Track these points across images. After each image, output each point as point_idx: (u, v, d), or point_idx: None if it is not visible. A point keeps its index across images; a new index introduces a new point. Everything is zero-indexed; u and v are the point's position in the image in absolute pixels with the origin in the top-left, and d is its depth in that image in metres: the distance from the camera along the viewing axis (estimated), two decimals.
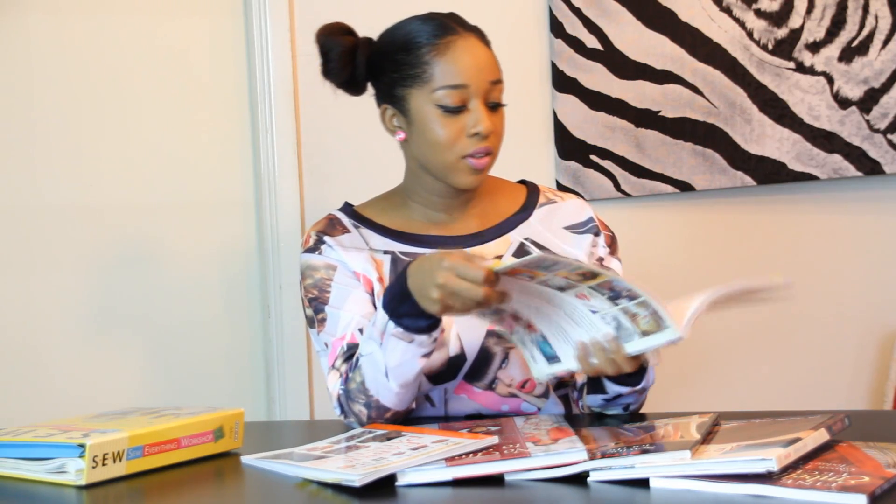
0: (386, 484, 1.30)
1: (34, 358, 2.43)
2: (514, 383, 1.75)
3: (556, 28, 2.80)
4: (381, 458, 1.36)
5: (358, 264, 1.77)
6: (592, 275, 1.41)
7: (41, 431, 1.45)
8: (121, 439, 1.39)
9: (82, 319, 2.46)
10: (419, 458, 1.34)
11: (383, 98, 1.81)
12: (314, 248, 1.79)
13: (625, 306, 1.44)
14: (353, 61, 1.81)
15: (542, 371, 1.57)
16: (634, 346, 1.48)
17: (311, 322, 1.78)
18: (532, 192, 1.89)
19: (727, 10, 2.89)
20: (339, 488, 1.30)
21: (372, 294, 1.77)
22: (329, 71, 1.83)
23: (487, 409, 1.75)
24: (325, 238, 1.79)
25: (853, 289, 3.07)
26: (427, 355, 1.62)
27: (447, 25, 1.76)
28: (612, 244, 1.86)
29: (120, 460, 1.39)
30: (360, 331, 1.71)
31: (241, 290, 2.60)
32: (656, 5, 2.85)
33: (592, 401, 1.73)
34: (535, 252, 1.38)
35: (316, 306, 1.76)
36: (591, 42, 2.82)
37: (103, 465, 1.37)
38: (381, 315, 1.59)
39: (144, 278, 2.52)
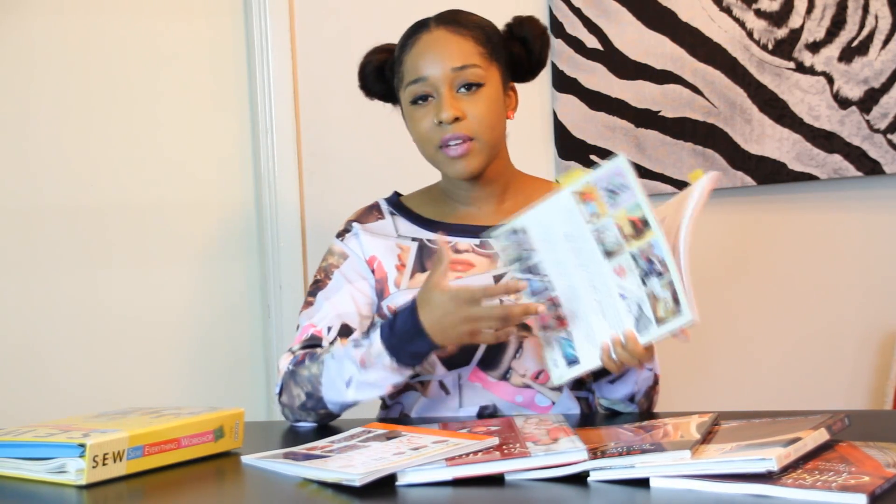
0: (386, 484, 1.30)
1: (34, 358, 2.43)
2: (529, 374, 1.76)
3: (556, 28, 2.80)
4: (381, 458, 1.36)
5: (378, 249, 1.83)
6: (643, 225, 1.45)
7: (41, 431, 1.45)
8: (121, 439, 1.39)
9: (82, 319, 2.46)
10: (419, 458, 1.34)
11: (397, 102, 1.88)
12: (340, 234, 1.88)
13: (651, 288, 1.47)
14: (383, 76, 1.87)
15: (562, 376, 1.61)
16: (649, 335, 1.51)
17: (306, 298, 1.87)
18: None
19: (727, 10, 2.89)
20: (339, 488, 1.30)
21: (379, 283, 1.82)
22: (364, 87, 1.90)
23: (502, 400, 1.76)
24: (354, 225, 1.87)
25: (853, 289, 3.07)
26: (397, 386, 1.68)
27: (423, 23, 1.82)
28: None
29: (120, 460, 1.39)
30: (329, 329, 1.78)
31: (241, 290, 2.60)
32: (656, 5, 2.85)
33: (599, 389, 1.75)
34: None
35: (313, 289, 1.84)
36: (591, 42, 2.82)
37: (103, 464, 1.37)
38: (377, 348, 1.62)
39: (144, 278, 2.52)
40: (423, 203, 1.89)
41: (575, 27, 2.81)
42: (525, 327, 1.73)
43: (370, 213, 1.89)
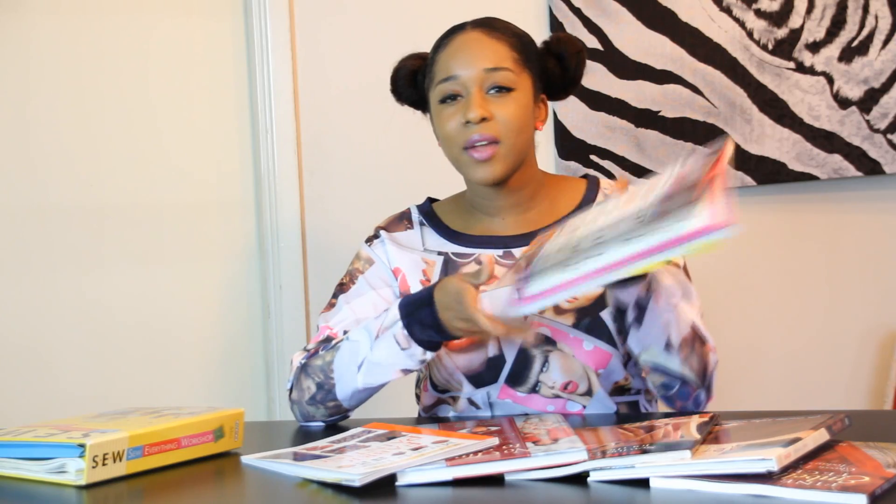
0: (386, 484, 1.30)
1: (34, 358, 2.43)
2: (557, 386, 1.75)
3: (556, 28, 2.80)
4: (381, 458, 1.36)
5: (403, 262, 1.83)
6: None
7: (41, 431, 1.45)
8: (121, 439, 1.39)
9: (82, 319, 2.46)
10: (419, 458, 1.34)
11: (427, 108, 1.86)
12: (369, 240, 1.88)
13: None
14: (414, 82, 1.86)
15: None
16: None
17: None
18: (591, 189, 1.86)
19: (727, 10, 2.89)
20: (339, 488, 1.30)
21: (403, 294, 1.81)
22: (395, 91, 1.89)
23: (534, 410, 1.75)
24: (382, 233, 1.86)
25: (853, 289, 3.07)
26: (406, 372, 1.68)
27: (459, 25, 1.81)
28: None
29: (120, 460, 1.39)
30: (344, 332, 1.77)
31: (241, 290, 2.60)
32: (656, 5, 2.85)
33: (653, 379, 1.68)
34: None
35: (336, 291, 1.85)
36: (591, 42, 2.82)
37: (103, 465, 1.37)
38: (393, 314, 1.65)
39: (144, 278, 2.52)
40: (452, 212, 1.87)
41: (575, 27, 2.81)
42: (550, 341, 1.73)
43: (400, 221, 1.88)
